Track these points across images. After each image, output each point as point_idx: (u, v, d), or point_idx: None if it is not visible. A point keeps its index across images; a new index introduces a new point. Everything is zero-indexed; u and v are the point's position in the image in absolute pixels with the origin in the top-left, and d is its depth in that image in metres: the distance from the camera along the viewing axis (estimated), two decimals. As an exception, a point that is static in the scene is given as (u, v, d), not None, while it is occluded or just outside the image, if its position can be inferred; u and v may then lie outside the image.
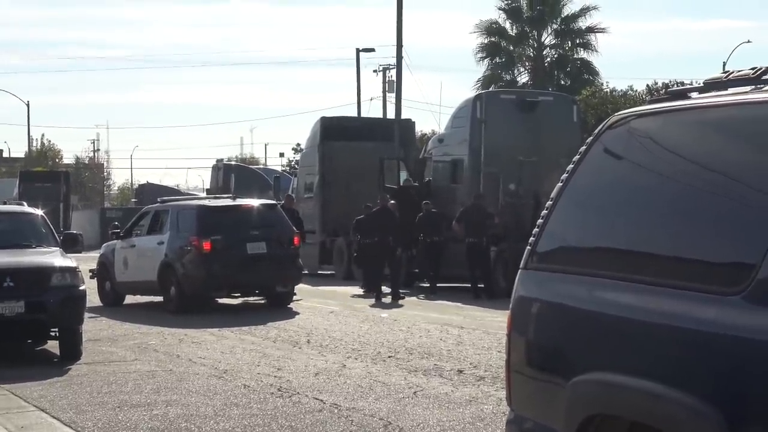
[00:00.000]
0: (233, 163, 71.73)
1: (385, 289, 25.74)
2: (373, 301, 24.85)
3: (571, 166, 5.89)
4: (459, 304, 24.01)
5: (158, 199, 26.84)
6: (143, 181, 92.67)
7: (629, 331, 5.04)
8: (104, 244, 27.10)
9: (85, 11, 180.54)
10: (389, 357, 15.40)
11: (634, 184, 5.49)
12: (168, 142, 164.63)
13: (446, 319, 20.52)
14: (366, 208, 28.39)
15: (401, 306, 23.96)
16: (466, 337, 17.45)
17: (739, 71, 5.33)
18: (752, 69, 5.22)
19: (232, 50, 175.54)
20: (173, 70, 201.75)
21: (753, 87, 5.13)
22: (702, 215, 4.94)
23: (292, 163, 66.48)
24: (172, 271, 22.88)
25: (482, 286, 25.85)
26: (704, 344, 4.62)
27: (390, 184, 30.64)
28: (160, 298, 23.52)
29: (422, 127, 68.70)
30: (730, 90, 5.25)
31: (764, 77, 5.11)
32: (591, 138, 5.88)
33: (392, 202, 27.26)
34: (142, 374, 14.27)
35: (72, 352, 15.76)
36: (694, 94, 5.52)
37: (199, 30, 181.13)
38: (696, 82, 5.78)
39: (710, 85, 5.43)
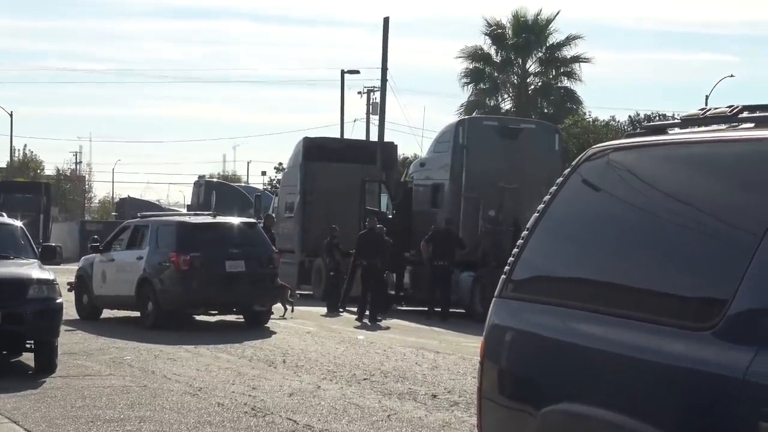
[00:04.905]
0: (215, 180, 71.77)
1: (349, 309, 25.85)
2: (356, 323, 24.98)
3: (548, 196, 5.93)
4: (435, 328, 24.04)
5: (138, 214, 26.72)
6: (124, 195, 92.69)
7: (600, 363, 5.07)
8: (83, 257, 27.02)
9: (70, 23, 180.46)
10: (364, 379, 15.42)
11: (610, 217, 5.53)
12: (150, 157, 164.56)
13: (423, 343, 20.54)
14: (332, 230, 28.49)
15: (378, 329, 23.99)
16: (441, 362, 17.47)
17: (716, 108, 5.38)
18: (729, 107, 5.26)
19: (218, 67, 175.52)
20: (158, 85, 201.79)
21: (728, 125, 5.19)
22: (675, 250, 4.97)
23: (274, 182, 66.56)
24: (149, 287, 22.85)
25: (439, 309, 26.15)
26: (674, 379, 4.64)
27: (371, 206, 30.68)
28: (137, 313, 23.48)
29: (404, 150, 68.65)
30: (706, 127, 5.31)
31: (740, 115, 5.17)
32: (569, 169, 5.92)
33: (379, 225, 27.29)
34: (117, 389, 14.25)
35: (47, 364, 15.73)
36: (672, 130, 5.57)
37: (184, 46, 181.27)
38: (677, 115, 5.84)
39: (687, 122, 5.49)
